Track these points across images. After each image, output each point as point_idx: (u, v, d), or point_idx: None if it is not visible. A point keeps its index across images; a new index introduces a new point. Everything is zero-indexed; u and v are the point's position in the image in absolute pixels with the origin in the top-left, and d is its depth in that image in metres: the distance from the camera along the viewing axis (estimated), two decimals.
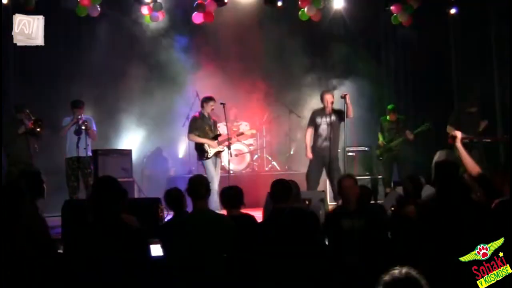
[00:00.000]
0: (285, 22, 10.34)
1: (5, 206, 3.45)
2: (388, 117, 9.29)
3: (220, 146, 8.08)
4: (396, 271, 2.36)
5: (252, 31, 10.31)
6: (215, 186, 7.61)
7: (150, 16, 9.58)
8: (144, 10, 9.48)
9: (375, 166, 9.62)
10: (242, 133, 9.09)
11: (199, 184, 4.18)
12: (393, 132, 9.20)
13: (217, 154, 8.10)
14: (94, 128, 8.24)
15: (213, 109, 8.19)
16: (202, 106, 8.13)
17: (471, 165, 4.37)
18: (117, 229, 3.42)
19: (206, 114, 8.14)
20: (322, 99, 7.84)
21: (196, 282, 3.86)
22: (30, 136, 7.87)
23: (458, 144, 4.63)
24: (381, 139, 9.29)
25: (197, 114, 8.20)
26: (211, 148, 8.00)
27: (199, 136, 8.02)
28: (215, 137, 8.09)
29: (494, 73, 9.58)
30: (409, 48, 10.74)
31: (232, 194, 4.82)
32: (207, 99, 8.12)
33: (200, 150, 8.05)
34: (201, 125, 8.07)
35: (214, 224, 4.05)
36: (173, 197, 4.78)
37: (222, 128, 9.59)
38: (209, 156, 7.99)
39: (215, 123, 8.31)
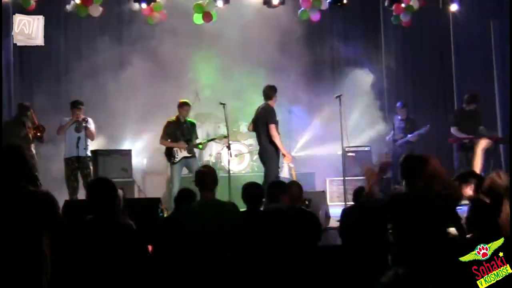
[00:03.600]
0: (286, 21, 10.33)
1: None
2: (398, 115, 9.35)
3: (185, 152, 8.19)
4: (393, 272, 2.36)
5: (252, 30, 10.31)
6: (174, 191, 7.71)
7: (152, 17, 9.58)
8: (146, 11, 9.48)
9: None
10: (214, 139, 9.10)
11: (207, 175, 4.20)
12: (401, 131, 9.23)
13: (188, 158, 8.22)
14: (93, 128, 8.25)
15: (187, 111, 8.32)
16: (179, 111, 8.30)
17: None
18: (114, 228, 3.43)
19: (181, 118, 8.29)
20: (275, 96, 7.58)
21: (202, 271, 3.87)
22: (31, 139, 7.92)
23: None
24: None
25: (173, 118, 8.33)
26: (179, 153, 8.15)
27: (169, 141, 8.21)
28: (186, 141, 8.21)
29: (494, 73, 9.59)
30: (410, 47, 10.74)
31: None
32: (182, 104, 8.31)
33: (168, 155, 8.26)
34: (173, 131, 8.25)
35: (222, 213, 4.07)
36: (185, 195, 4.80)
37: (222, 128, 9.61)
38: (175, 161, 8.18)
39: (191, 126, 8.39)
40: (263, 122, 7.47)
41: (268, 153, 7.44)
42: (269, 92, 7.58)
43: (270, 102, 7.56)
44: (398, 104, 9.45)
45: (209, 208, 4.09)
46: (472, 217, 4.35)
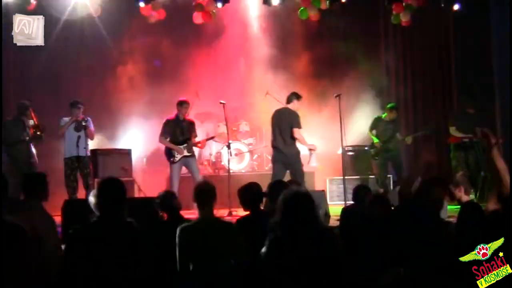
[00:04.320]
0: (285, 20, 10.35)
1: None
2: (384, 116, 9.18)
3: (186, 151, 8.20)
4: (394, 272, 2.36)
5: (252, 29, 10.33)
6: (174, 190, 7.72)
7: (150, 16, 9.59)
8: (144, 10, 9.48)
9: (370, 166, 9.60)
10: (212, 137, 9.10)
11: (207, 192, 4.13)
12: (390, 132, 9.08)
13: (188, 157, 8.22)
14: (92, 128, 8.25)
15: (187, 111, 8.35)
16: (178, 109, 8.27)
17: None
18: (120, 230, 3.43)
19: (180, 117, 8.26)
20: (295, 101, 7.72)
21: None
22: (31, 139, 7.91)
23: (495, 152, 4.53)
24: (375, 139, 9.14)
25: (171, 117, 8.33)
26: (178, 153, 8.16)
27: (169, 140, 8.21)
28: (185, 140, 8.20)
29: (494, 73, 9.58)
30: (410, 46, 10.74)
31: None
32: (181, 102, 8.29)
33: (168, 154, 8.28)
34: (172, 129, 8.24)
35: (221, 232, 4.00)
36: (165, 200, 4.77)
37: (222, 128, 9.62)
38: (175, 161, 8.18)
39: (190, 125, 8.38)
40: (287, 125, 7.53)
41: (294, 156, 7.52)
42: (291, 96, 7.72)
43: (291, 106, 7.67)
44: (390, 104, 9.32)
45: (209, 226, 4.04)
46: (464, 220, 4.35)
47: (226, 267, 3.89)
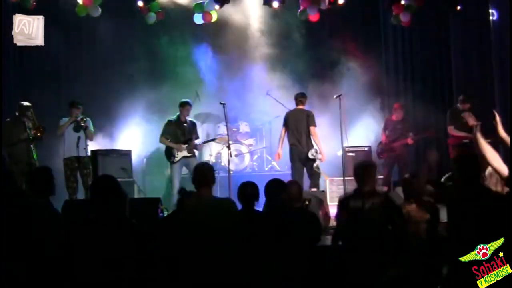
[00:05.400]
0: (285, 20, 10.35)
1: None
2: (393, 116, 9.25)
3: (185, 152, 8.20)
4: (392, 272, 2.37)
5: (252, 29, 10.33)
6: (174, 191, 7.91)
7: (148, 17, 9.60)
8: (143, 11, 9.50)
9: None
10: (212, 140, 9.10)
11: (205, 171, 4.18)
12: (398, 132, 9.12)
13: (188, 157, 8.22)
14: (91, 128, 8.24)
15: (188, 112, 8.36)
16: (180, 110, 8.28)
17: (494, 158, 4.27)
18: (117, 227, 3.43)
19: (182, 118, 8.28)
20: (306, 101, 8.34)
21: (202, 270, 3.85)
22: (31, 139, 7.91)
23: (478, 135, 4.54)
24: (384, 138, 9.23)
25: (173, 117, 8.35)
26: (179, 152, 8.16)
27: (169, 140, 8.22)
28: (186, 141, 8.20)
29: (494, 73, 9.57)
30: (409, 47, 10.73)
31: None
32: (183, 103, 8.31)
33: (168, 154, 8.28)
34: (173, 130, 8.26)
35: (219, 210, 4.04)
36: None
37: (222, 128, 9.61)
38: (175, 161, 8.19)
39: (192, 126, 8.40)
40: (305, 125, 8.04)
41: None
42: (302, 98, 8.29)
43: (303, 106, 8.21)
44: (396, 104, 9.38)
45: (208, 205, 4.07)
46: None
47: (224, 244, 3.92)
